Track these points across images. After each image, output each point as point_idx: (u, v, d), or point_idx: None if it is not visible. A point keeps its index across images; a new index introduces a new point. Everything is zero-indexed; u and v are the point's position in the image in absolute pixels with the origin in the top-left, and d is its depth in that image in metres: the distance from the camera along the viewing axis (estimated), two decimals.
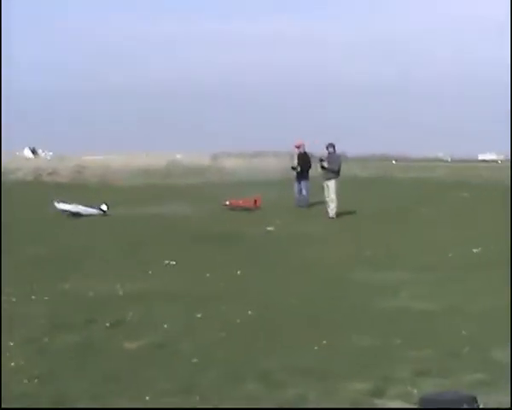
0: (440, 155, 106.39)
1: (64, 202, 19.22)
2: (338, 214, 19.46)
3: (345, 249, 13.49)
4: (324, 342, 6.76)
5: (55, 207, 18.96)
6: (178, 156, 52.18)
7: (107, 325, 7.49)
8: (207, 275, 10.60)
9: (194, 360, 6.29)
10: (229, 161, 48.02)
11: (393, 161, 77.09)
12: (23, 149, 49.98)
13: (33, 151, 49.47)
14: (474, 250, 12.81)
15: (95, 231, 16.33)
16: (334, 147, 20.01)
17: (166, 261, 11.81)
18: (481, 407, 4.24)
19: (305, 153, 23.13)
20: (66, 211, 18.86)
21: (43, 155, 50.42)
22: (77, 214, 18.79)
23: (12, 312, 8.01)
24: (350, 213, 20.15)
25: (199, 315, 7.96)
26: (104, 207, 19.42)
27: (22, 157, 49.83)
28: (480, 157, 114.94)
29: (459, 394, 4.32)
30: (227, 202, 21.93)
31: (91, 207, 19.47)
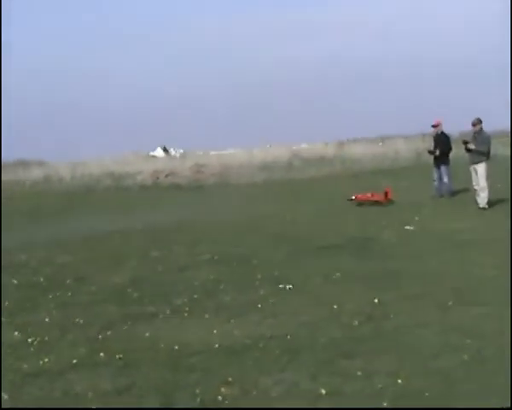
0: None
1: None
2: (490, 203, 16.22)
3: None
4: None
5: None
6: (303, 146, 49.66)
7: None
8: (335, 307, 7.90)
9: None
10: (356, 147, 44.80)
11: None
12: (155, 148, 49.67)
13: (165, 150, 48.99)
14: None
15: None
16: (481, 123, 16.67)
17: (281, 285, 9.23)
18: None
19: (443, 133, 19.96)
20: None
21: (174, 153, 49.82)
22: None
23: None
24: (505, 201, 16.77)
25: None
26: None
27: (149, 157, 49.31)
28: None
29: None
30: (353, 197, 19.05)
31: None
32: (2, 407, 4.98)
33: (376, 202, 18.60)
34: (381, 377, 5.56)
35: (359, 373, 5.64)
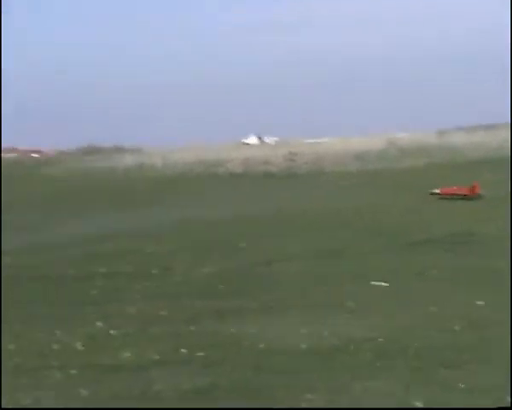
0: None
1: None
2: None
3: None
4: None
5: None
6: (402, 135, 48.15)
7: None
8: (433, 309, 7.32)
9: None
10: (457, 136, 43.01)
11: None
12: (248, 136, 49.19)
13: (259, 138, 48.50)
14: None
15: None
16: None
17: (374, 282, 8.73)
18: None
19: None
20: None
21: (268, 141, 49.28)
22: None
23: None
24: None
25: None
26: None
27: (242, 145, 49.27)
28: None
29: None
30: (436, 191, 18.28)
31: None
32: (2, 407, 4.86)
33: (463, 197, 17.81)
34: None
35: (462, 386, 5.11)
